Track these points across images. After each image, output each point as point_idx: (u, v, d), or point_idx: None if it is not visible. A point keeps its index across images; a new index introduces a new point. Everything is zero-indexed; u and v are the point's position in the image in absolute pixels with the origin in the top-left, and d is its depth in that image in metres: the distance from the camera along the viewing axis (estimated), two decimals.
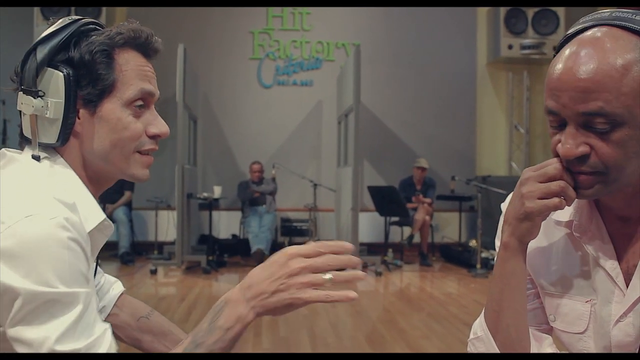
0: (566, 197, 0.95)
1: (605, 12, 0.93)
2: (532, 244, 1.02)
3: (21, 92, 0.95)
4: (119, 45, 0.98)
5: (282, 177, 7.91)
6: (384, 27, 8.48)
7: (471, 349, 1.08)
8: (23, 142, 0.99)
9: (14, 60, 0.98)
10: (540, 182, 0.95)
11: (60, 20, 0.98)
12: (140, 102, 1.00)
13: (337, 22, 8.43)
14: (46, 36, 0.95)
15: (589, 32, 0.92)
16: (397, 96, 8.51)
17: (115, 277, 1.31)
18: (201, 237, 7.97)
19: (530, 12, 8.15)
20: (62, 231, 0.83)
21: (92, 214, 0.95)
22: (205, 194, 7.18)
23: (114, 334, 1.23)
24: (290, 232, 8.00)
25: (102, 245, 1.02)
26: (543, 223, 1.01)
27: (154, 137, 1.02)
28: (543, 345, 1.06)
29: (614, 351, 1.00)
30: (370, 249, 7.71)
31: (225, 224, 8.27)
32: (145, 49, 1.02)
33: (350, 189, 6.67)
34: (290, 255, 0.90)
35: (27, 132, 0.97)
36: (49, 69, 0.95)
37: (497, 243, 1.12)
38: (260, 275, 0.90)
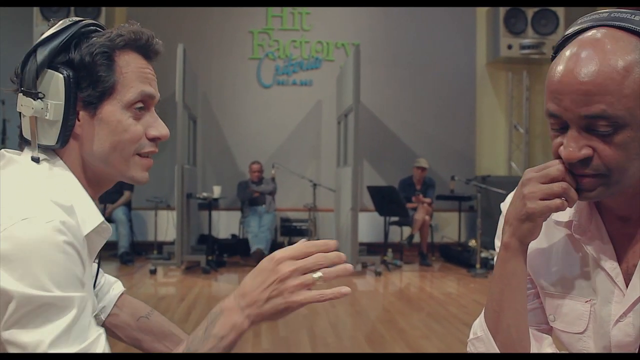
0: (568, 199, 0.94)
1: (604, 12, 0.92)
2: (532, 244, 1.02)
3: (21, 94, 0.95)
4: (119, 47, 0.98)
5: (282, 177, 7.91)
6: (383, 27, 8.48)
7: (471, 349, 1.08)
8: (22, 143, 0.99)
9: (13, 60, 0.98)
10: (543, 183, 0.95)
11: (61, 22, 0.97)
12: (140, 105, 0.99)
13: (337, 22, 8.43)
14: (46, 38, 0.95)
15: (588, 33, 0.91)
16: (396, 96, 8.51)
17: (114, 277, 1.31)
18: (201, 237, 7.97)
19: (530, 12, 8.15)
20: (58, 235, 0.83)
21: (90, 216, 0.95)
22: (204, 194, 7.18)
23: (114, 334, 1.23)
24: (290, 232, 8.00)
25: (100, 248, 1.02)
26: (543, 223, 1.01)
27: (154, 140, 1.02)
28: (543, 345, 1.06)
29: (613, 351, 1.00)
30: (369, 249, 7.71)
31: (225, 224, 8.27)
32: (146, 50, 1.02)
33: (349, 188, 6.67)
34: (279, 260, 0.90)
35: (26, 134, 0.97)
36: (49, 70, 0.94)
37: (497, 243, 1.12)
38: (252, 283, 0.90)
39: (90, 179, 1.01)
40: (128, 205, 7.49)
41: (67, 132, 0.96)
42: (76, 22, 0.97)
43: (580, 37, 0.92)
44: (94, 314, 1.21)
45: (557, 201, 0.94)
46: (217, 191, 7.26)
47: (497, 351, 1.02)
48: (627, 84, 0.86)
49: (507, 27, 8.15)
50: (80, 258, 0.87)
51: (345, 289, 0.88)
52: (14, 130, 1.03)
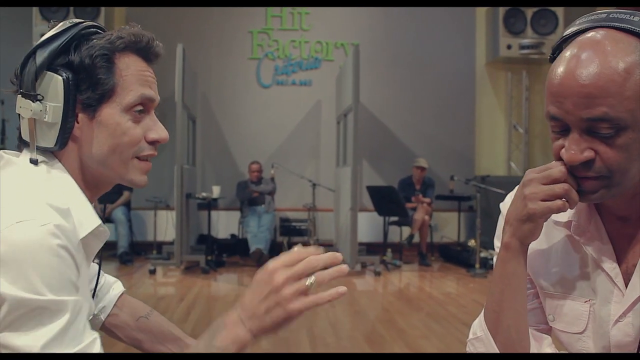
0: (569, 200, 0.94)
1: (602, 13, 0.92)
2: (532, 245, 1.01)
3: (20, 95, 0.95)
4: (119, 50, 0.97)
5: (281, 177, 7.91)
6: (383, 27, 8.48)
7: (470, 349, 1.08)
8: (21, 144, 0.99)
9: (12, 60, 0.98)
10: (544, 184, 0.95)
11: (61, 24, 0.97)
12: (140, 108, 0.99)
13: (336, 22, 8.43)
14: (46, 39, 0.95)
15: (588, 35, 0.91)
16: (396, 96, 8.51)
17: (114, 277, 1.31)
18: (200, 237, 7.97)
19: (529, 12, 8.16)
20: (52, 238, 0.83)
21: (87, 219, 0.94)
22: (204, 194, 7.18)
23: (114, 334, 1.23)
24: (289, 232, 8.00)
25: (97, 250, 1.02)
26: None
27: (153, 143, 1.02)
28: (542, 345, 1.06)
29: (613, 351, 1.00)
30: (369, 249, 7.71)
31: (224, 224, 8.27)
32: (146, 53, 1.01)
33: (349, 188, 6.67)
34: (272, 270, 0.88)
35: (25, 135, 0.96)
36: (49, 72, 0.94)
37: (497, 243, 1.12)
38: (251, 296, 0.89)
39: (88, 182, 1.00)
40: (127, 205, 7.49)
41: (65, 135, 0.95)
42: (76, 24, 0.97)
43: (580, 38, 0.92)
44: (94, 315, 1.21)
45: (558, 202, 0.94)
46: (216, 191, 7.27)
47: (497, 351, 1.02)
48: (628, 86, 0.85)
49: (506, 27, 8.15)
50: (75, 262, 0.86)
51: (342, 289, 0.87)
52: (14, 131, 1.02)
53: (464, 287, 6.02)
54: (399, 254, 7.49)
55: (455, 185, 7.70)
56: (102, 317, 1.23)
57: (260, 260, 6.90)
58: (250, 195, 7.63)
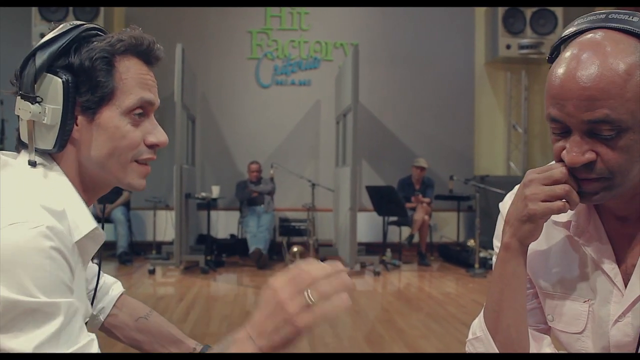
0: (570, 201, 0.94)
1: (601, 13, 0.92)
2: (531, 245, 1.01)
3: (19, 97, 0.94)
4: (119, 53, 0.97)
5: (281, 177, 7.91)
6: (382, 27, 8.48)
7: (470, 349, 1.08)
8: (20, 145, 0.98)
9: (12, 60, 0.98)
10: (545, 185, 0.95)
11: (62, 26, 0.96)
12: (139, 111, 0.98)
13: (336, 22, 8.43)
14: (46, 41, 0.94)
15: (587, 36, 0.91)
16: (395, 96, 8.51)
17: (113, 277, 1.31)
18: (199, 237, 7.97)
19: (529, 12, 8.16)
20: (44, 240, 0.82)
21: (83, 222, 0.94)
22: (203, 194, 7.18)
23: (113, 334, 1.23)
24: (289, 232, 7.99)
25: (94, 253, 1.01)
26: None
27: (152, 147, 1.01)
28: (542, 345, 1.06)
29: (612, 351, 1.00)
30: (368, 249, 7.71)
31: (224, 224, 8.27)
32: (147, 56, 1.01)
33: (348, 188, 6.67)
34: (276, 288, 0.85)
35: (24, 137, 0.96)
36: (48, 74, 0.94)
37: (496, 243, 1.12)
38: (259, 315, 0.86)
39: (86, 184, 1.00)
40: (127, 205, 7.49)
41: (64, 137, 0.95)
42: (77, 26, 0.97)
43: (579, 39, 0.91)
44: (93, 315, 1.21)
45: (559, 203, 0.94)
46: (215, 191, 7.27)
47: (496, 351, 1.02)
48: (629, 88, 0.85)
49: (505, 27, 8.15)
50: (69, 264, 0.86)
51: (345, 300, 0.83)
52: (13, 131, 1.02)
53: (463, 287, 6.02)
54: (399, 254, 7.50)
55: (455, 185, 7.70)
56: (102, 317, 1.23)
57: (259, 260, 6.90)
58: (249, 195, 7.63)
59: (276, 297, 0.84)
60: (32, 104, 0.93)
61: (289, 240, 7.82)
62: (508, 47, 8.15)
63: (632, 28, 0.88)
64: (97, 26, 1.00)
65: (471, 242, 7.46)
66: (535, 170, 0.98)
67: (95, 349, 0.86)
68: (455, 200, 8.08)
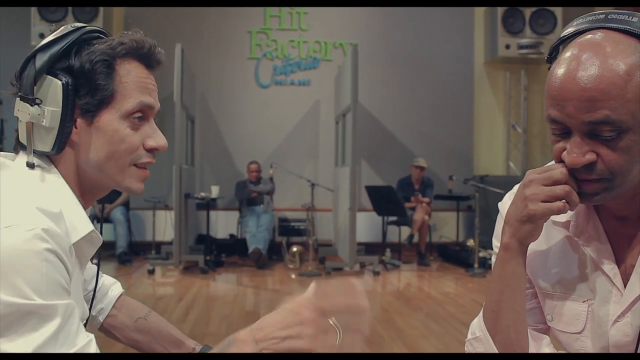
0: (570, 202, 0.94)
1: (601, 13, 0.91)
2: (531, 245, 1.01)
3: (18, 99, 0.94)
4: (120, 56, 0.97)
5: (280, 177, 7.91)
6: (381, 26, 8.48)
7: (469, 349, 1.08)
8: (18, 147, 0.98)
9: (11, 60, 0.98)
10: (545, 185, 0.95)
11: (63, 28, 0.96)
12: (139, 115, 0.98)
13: (335, 22, 8.43)
14: (47, 43, 0.94)
15: (587, 36, 0.91)
16: (394, 96, 8.51)
17: (113, 277, 1.31)
18: (199, 237, 7.97)
19: (528, 11, 8.16)
20: (39, 242, 0.82)
21: (80, 224, 0.94)
22: (202, 194, 7.18)
23: (112, 335, 1.23)
24: (288, 231, 7.99)
25: (91, 256, 1.01)
26: None
27: (151, 151, 1.01)
28: (541, 345, 1.06)
29: (611, 351, 1.00)
30: (368, 249, 7.71)
31: (223, 224, 8.26)
32: (147, 60, 1.01)
33: (347, 188, 6.67)
34: (305, 305, 0.87)
35: (22, 139, 0.96)
36: (48, 76, 0.93)
37: (495, 242, 1.12)
38: (272, 319, 0.88)
39: (84, 187, 1.00)
40: (126, 205, 7.49)
41: (63, 139, 0.95)
42: (78, 28, 0.96)
43: (579, 39, 0.91)
44: (92, 316, 1.21)
45: (559, 204, 0.94)
46: (215, 191, 7.27)
47: (496, 351, 1.02)
48: (629, 88, 0.85)
49: (505, 26, 8.15)
50: (65, 265, 0.85)
51: (359, 346, 0.86)
52: (12, 131, 1.02)
53: (462, 287, 6.02)
54: (398, 253, 7.50)
55: (454, 185, 7.71)
56: (101, 318, 1.23)
57: (259, 260, 6.90)
58: (249, 195, 7.63)
59: (300, 314, 0.85)
60: (31, 105, 0.93)
61: (289, 240, 7.82)
62: (507, 47, 8.15)
63: (632, 28, 0.88)
64: (98, 28, 1.00)
65: (470, 242, 7.46)
66: (535, 171, 0.98)
67: (94, 349, 0.85)
68: (455, 200, 8.08)
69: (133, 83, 0.97)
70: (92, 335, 0.87)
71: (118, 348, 1.28)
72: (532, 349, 1.03)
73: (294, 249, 7.16)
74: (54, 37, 0.94)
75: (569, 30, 0.94)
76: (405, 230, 7.75)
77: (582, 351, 1.04)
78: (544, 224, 1.00)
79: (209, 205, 7.26)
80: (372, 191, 7.53)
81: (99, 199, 1.08)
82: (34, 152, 0.95)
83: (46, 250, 0.82)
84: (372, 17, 8.41)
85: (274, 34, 8.45)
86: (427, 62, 8.52)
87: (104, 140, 0.96)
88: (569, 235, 1.05)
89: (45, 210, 0.86)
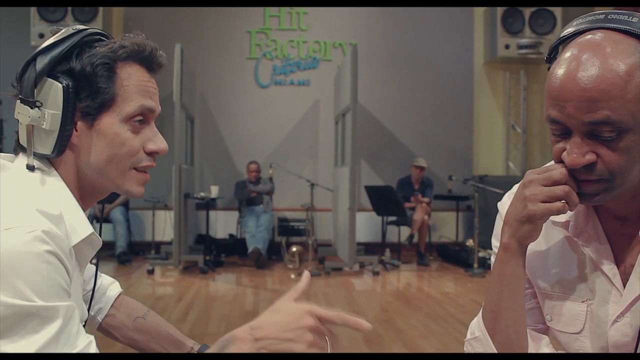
0: (569, 202, 0.94)
1: (600, 14, 0.91)
2: (530, 245, 1.01)
3: (19, 101, 0.94)
4: (121, 59, 0.96)
5: (279, 177, 7.91)
6: (381, 26, 8.48)
7: (468, 349, 1.08)
8: (18, 148, 0.98)
9: (10, 59, 0.98)
10: (545, 186, 0.95)
11: (64, 30, 0.96)
12: (139, 118, 0.98)
13: (335, 22, 8.43)
14: (48, 46, 0.94)
15: (587, 37, 0.91)
16: (394, 96, 8.51)
17: (112, 277, 1.31)
18: (198, 236, 7.97)
19: (527, 11, 8.16)
20: (40, 244, 0.82)
21: (80, 226, 0.94)
22: (202, 194, 7.18)
23: (111, 334, 1.23)
24: (288, 231, 7.99)
25: (90, 258, 1.01)
26: None
27: (151, 154, 1.01)
28: (540, 345, 1.06)
29: (611, 351, 1.00)
30: (367, 249, 7.71)
31: (223, 224, 8.26)
32: (149, 63, 1.00)
33: (347, 188, 6.67)
34: (308, 312, 0.91)
35: (22, 141, 0.95)
36: (49, 79, 0.93)
37: (494, 242, 1.12)
38: (273, 319, 0.90)
39: (84, 190, 1.00)
40: (126, 205, 7.49)
41: (63, 142, 0.94)
42: (80, 31, 0.96)
43: (579, 40, 0.91)
44: (91, 316, 1.21)
45: (559, 204, 0.94)
46: (214, 191, 7.27)
47: (495, 351, 1.02)
48: (629, 89, 0.85)
49: (504, 26, 8.15)
50: (65, 267, 0.85)
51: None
52: (11, 131, 1.02)
53: (462, 287, 6.02)
54: (398, 253, 7.50)
55: (454, 185, 7.71)
56: (99, 318, 1.23)
57: (258, 260, 6.90)
58: (248, 195, 7.63)
59: (303, 319, 0.89)
60: (32, 108, 0.93)
61: (288, 240, 7.82)
62: (507, 47, 8.15)
63: (632, 29, 0.87)
64: (99, 31, 1.00)
65: (470, 242, 7.46)
66: (534, 171, 0.98)
67: (93, 350, 0.86)
68: (454, 200, 8.09)
69: (134, 86, 0.97)
70: (92, 337, 0.87)
71: (117, 348, 1.28)
72: (532, 349, 1.03)
73: (294, 249, 7.16)
74: (55, 40, 0.94)
75: (569, 30, 0.94)
76: (405, 230, 7.75)
77: (581, 351, 1.04)
78: (544, 224, 1.00)
79: (208, 205, 7.26)
80: (372, 191, 7.53)
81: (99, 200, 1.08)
82: (34, 155, 0.95)
83: (47, 252, 0.82)
84: (371, 17, 8.41)
85: (273, 34, 8.45)
86: (427, 62, 8.52)
87: (104, 143, 0.96)
88: (568, 235, 1.05)
89: (45, 212, 0.86)
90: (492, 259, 1.08)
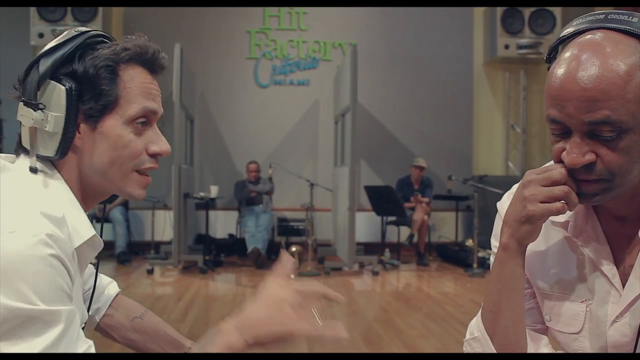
0: (569, 202, 0.94)
1: (600, 14, 0.91)
2: (529, 245, 1.01)
3: (22, 103, 0.94)
4: (124, 61, 0.97)
5: (279, 177, 7.91)
6: (381, 26, 8.48)
7: (467, 349, 1.07)
8: (20, 149, 0.98)
9: (10, 59, 0.98)
10: (544, 186, 0.95)
11: (66, 32, 0.96)
12: (142, 120, 0.98)
13: (334, 22, 8.43)
14: (50, 48, 0.94)
15: (587, 36, 0.90)
16: (393, 96, 8.51)
17: (111, 277, 1.31)
18: (198, 236, 7.96)
19: (527, 12, 8.16)
20: (43, 248, 0.82)
21: (82, 228, 0.94)
22: (202, 194, 7.18)
23: (108, 334, 1.24)
24: (287, 231, 7.99)
25: (91, 259, 1.01)
26: None
27: (154, 156, 1.01)
28: (539, 345, 1.06)
29: (610, 351, 1.00)
30: (367, 249, 7.71)
31: (222, 224, 8.26)
32: (151, 65, 1.01)
33: (347, 188, 6.67)
34: (282, 290, 0.92)
35: (25, 143, 0.95)
36: (52, 81, 0.93)
37: (494, 242, 1.12)
38: (256, 307, 0.91)
39: (86, 192, 1.00)
40: (125, 205, 7.49)
41: (66, 144, 0.94)
42: (82, 33, 0.96)
43: (579, 39, 0.91)
44: (89, 316, 1.21)
45: (558, 204, 0.94)
46: (214, 191, 7.26)
47: (494, 351, 1.01)
48: (629, 89, 0.85)
49: (504, 27, 8.15)
50: (68, 271, 0.85)
51: (342, 333, 0.89)
52: (11, 131, 1.02)
53: (461, 287, 6.02)
54: (397, 253, 7.50)
55: (453, 185, 7.71)
56: (97, 318, 1.23)
57: (257, 260, 6.90)
58: (248, 195, 7.63)
59: (279, 297, 0.90)
60: (35, 110, 0.92)
61: (288, 240, 7.83)
62: (506, 47, 8.15)
63: (632, 28, 0.87)
64: (102, 33, 1.00)
65: (469, 242, 7.46)
66: (534, 171, 0.98)
67: (93, 353, 0.86)
68: (454, 200, 8.09)
69: (137, 88, 0.97)
70: (91, 342, 0.87)
71: (116, 349, 1.28)
72: (531, 349, 1.03)
73: (293, 248, 7.15)
74: (57, 42, 0.94)
75: (569, 30, 0.94)
76: (405, 230, 7.75)
77: (581, 351, 1.04)
78: (543, 224, 1.00)
79: (208, 205, 7.26)
80: (372, 191, 7.53)
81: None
82: (36, 157, 0.94)
83: (50, 255, 0.82)
84: (371, 17, 8.42)
85: (273, 33, 8.45)
86: (427, 62, 8.52)
87: (107, 145, 0.96)
88: (567, 235, 1.05)
89: (48, 215, 0.86)
90: (492, 259, 1.08)
